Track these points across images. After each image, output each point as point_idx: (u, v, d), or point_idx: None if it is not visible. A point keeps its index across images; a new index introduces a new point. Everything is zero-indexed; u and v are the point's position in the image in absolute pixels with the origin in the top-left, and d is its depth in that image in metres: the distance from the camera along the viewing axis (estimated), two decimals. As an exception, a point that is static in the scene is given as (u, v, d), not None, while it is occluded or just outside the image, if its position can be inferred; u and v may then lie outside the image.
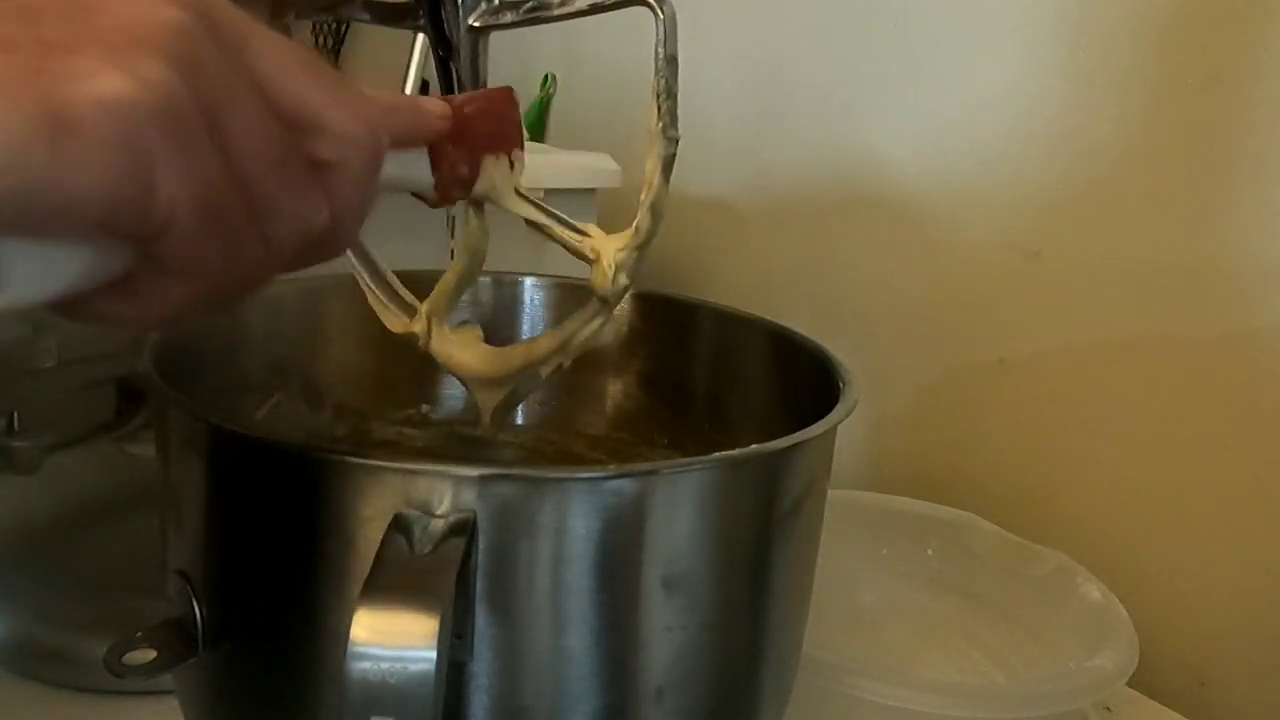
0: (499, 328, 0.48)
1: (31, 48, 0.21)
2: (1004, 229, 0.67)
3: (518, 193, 0.35)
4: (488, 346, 0.40)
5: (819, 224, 0.80)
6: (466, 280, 0.39)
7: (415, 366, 0.49)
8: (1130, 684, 0.48)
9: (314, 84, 0.25)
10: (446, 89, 0.39)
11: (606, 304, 0.37)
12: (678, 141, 0.36)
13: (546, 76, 1.13)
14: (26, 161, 0.20)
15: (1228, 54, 0.56)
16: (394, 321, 0.40)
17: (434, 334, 0.39)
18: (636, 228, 0.36)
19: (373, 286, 0.40)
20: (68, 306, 0.24)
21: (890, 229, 0.74)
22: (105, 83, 0.21)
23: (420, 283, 0.40)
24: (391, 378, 0.48)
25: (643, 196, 0.35)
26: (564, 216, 0.37)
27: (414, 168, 0.32)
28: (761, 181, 0.82)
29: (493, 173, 0.34)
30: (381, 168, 0.27)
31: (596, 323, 0.37)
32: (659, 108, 0.35)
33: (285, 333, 0.45)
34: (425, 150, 0.32)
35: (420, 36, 1.15)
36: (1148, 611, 0.54)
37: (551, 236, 0.37)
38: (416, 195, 0.33)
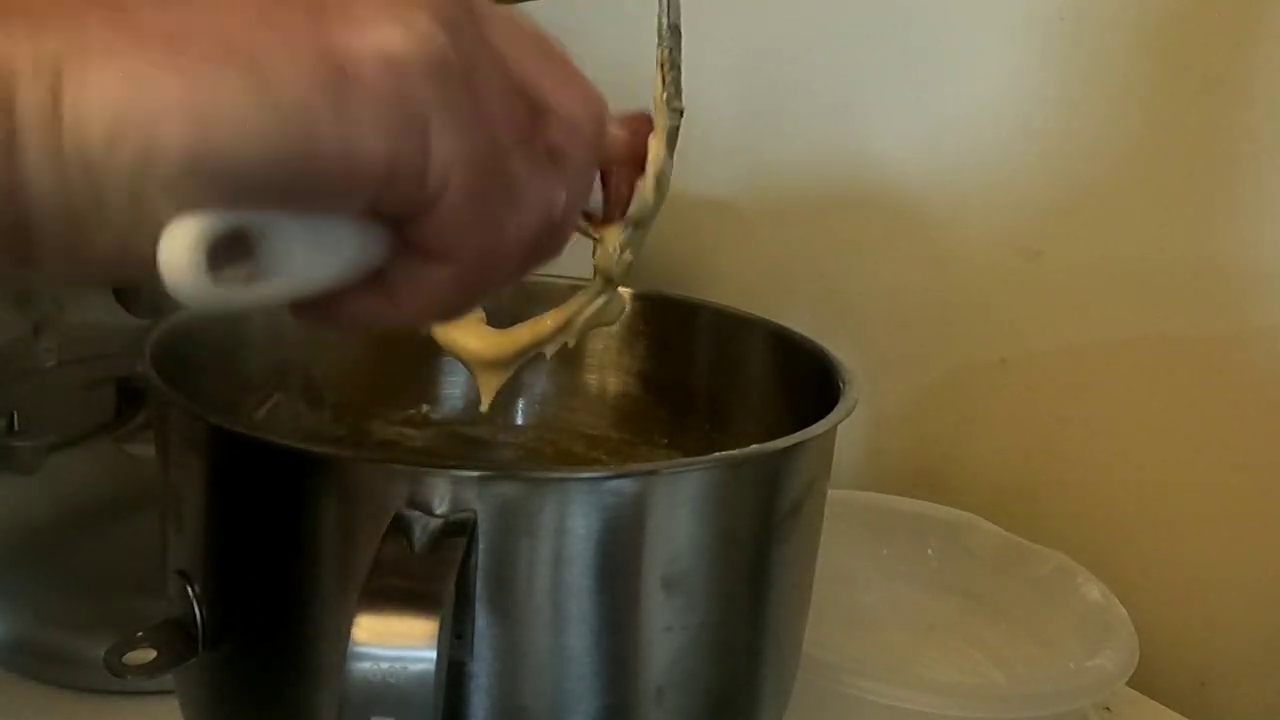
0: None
1: (309, 1, 0.20)
2: (1005, 229, 0.67)
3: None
4: (491, 329, 0.39)
5: (819, 224, 0.79)
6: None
7: (415, 366, 0.49)
8: (1130, 684, 0.48)
9: (547, 66, 0.24)
10: None
11: (611, 282, 0.37)
12: (682, 113, 0.35)
13: (546, 76, 1.13)
14: (312, 116, 0.19)
15: (1228, 55, 0.56)
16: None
17: None
18: (641, 202, 0.35)
19: None
20: (328, 308, 0.24)
21: (891, 229, 0.74)
22: (386, 33, 0.20)
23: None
24: (391, 378, 0.48)
25: (646, 170, 0.35)
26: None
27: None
28: (761, 181, 0.82)
29: (644, 194, 0.34)
30: (599, 157, 0.26)
31: (601, 300, 0.37)
32: (663, 79, 0.35)
33: (285, 333, 0.45)
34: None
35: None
36: (1148, 611, 0.54)
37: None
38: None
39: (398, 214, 0.22)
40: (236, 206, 0.20)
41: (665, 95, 0.35)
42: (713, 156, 0.90)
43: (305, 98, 0.19)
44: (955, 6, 0.69)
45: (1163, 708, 0.56)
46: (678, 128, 0.35)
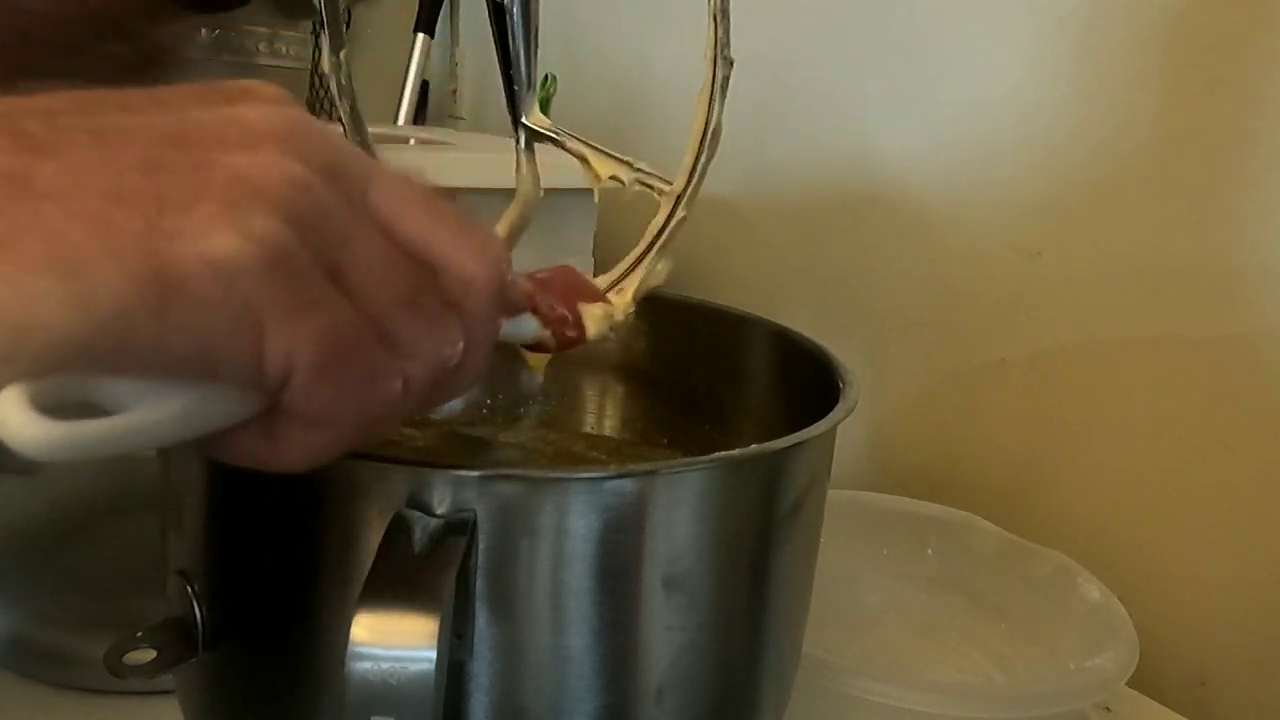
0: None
1: (148, 202, 0.21)
2: (1005, 229, 0.67)
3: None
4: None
5: (820, 224, 0.79)
6: (519, 229, 0.39)
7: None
8: (1130, 684, 0.48)
9: (436, 224, 0.25)
10: (500, 40, 0.38)
11: (664, 246, 0.37)
12: (733, 64, 0.35)
13: (546, 76, 1.13)
14: (128, 324, 0.20)
15: (1230, 56, 0.56)
16: None
17: None
18: (696, 158, 0.36)
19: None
20: (214, 446, 0.24)
21: (891, 229, 0.74)
22: (215, 241, 0.21)
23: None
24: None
25: (698, 124, 0.35)
26: (650, 171, 0.37)
27: (521, 323, 0.33)
28: (762, 181, 0.82)
29: (596, 315, 0.35)
30: (502, 305, 0.27)
31: (659, 264, 0.37)
32: (715, 29, 0.35)
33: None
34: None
35: (420, 37, 1.15)
36: (1148, 611, 0.54)
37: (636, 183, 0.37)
38: (532, 348, 0.34)
39: (255, 394, 0.23)
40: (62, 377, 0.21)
41: (718, 45, 0.35)
42: (717, 160, 0.90)
43: (122, 306, 0.20)
44: (956, 7, 0.69)
45: (1163, 708, 0.56)
46: (728, 78, 0.35)
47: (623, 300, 0.38)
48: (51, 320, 0.20)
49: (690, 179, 0.36)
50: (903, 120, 0.73)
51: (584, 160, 0.38)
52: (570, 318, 0.35)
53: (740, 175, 0.82)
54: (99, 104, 0.22)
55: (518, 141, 0.40)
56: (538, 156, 0.41)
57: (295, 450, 0.24)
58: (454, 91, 1.27)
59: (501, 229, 0.39)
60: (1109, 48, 0.61)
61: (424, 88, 1.21)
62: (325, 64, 0.39)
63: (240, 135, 0.23)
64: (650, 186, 0.37)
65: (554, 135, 0.39)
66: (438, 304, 0.25)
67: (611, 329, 0.36)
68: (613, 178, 0.37)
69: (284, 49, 1.50)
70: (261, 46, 1.31)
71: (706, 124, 0.36)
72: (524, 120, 0.39)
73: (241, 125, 0.23)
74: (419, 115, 1.19)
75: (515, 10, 0.38)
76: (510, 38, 0.38)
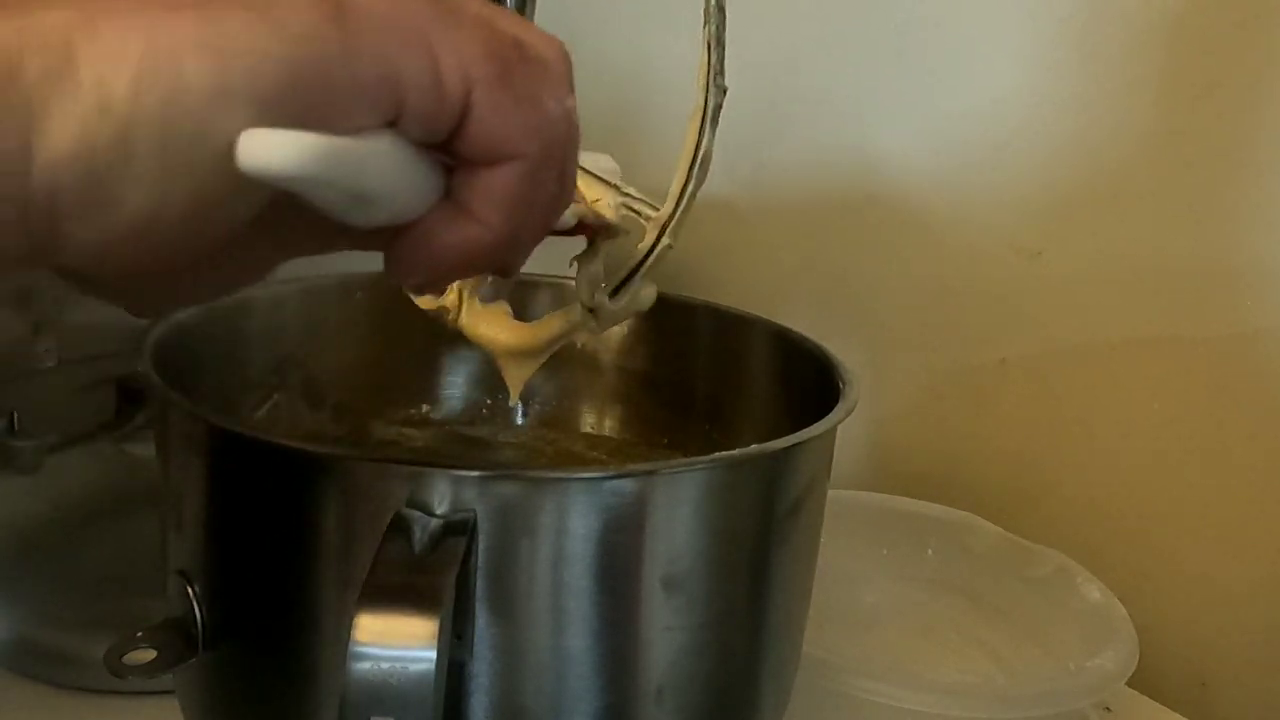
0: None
1: None
2: (1005, 229, 0.67)
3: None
4: (517, 321, 0.39)
5: (820, 224, 0.79)
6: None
7: (415, 366, 0.49)
8: (1130, 684, 0.48)
9: (509, 17, 0.25)
10: None
11: (648, 273, 0.37)
12: (725, 91, 0.35)
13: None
14: (319, 40, 0.21)
15: (1229, 57, 0.56)
16: (423, 299, 0.40)
17: (465, 309, 0.39)
18: (684, 185, 0.36)
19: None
20: (422, 245, 0.24)
21: (891, 229, 0.74)
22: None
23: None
24: (392, 378, 0.48)
25: (687, 151, 0.35)
26: (638, 196, 0.38)
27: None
28: (763, 181, 0.82)
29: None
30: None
31: (644, 290, 0.37)
32: (709, 56, 0.35)
33: (285, 333, 0.45)
34: None
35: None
36: (1148, 611, 0.54)
37: (623, 207, 0.37)
38: (572, 233, 0.34)
39: (440, 129, 0.23)
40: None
41: (711, 73, 0.35)
42: (714, 156, 0.90)
43: (311, 25, 0.21)
44: (956, 9, 0.69)
45: (1163, 708, 0.56)
46: (720, 106, 0.35)
47: (618, 305, 0.37)
48: (253, 44, 0.20)
49: (677, 207, 0.36)
50: (903, 121, 0.73)
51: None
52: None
53: (740, 175, 0.82)
54: None
55: None
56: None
57: (494, 209, 0.24)
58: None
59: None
60: (1109, 49, 0.61)
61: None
62: None
63: None
64: (636, 212, 0.37)
65: None
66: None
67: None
68: (597, 202, 0.37)
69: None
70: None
71: (696, 151, 0.35)
72: None
73: None
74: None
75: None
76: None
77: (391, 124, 0.23)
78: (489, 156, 0.24)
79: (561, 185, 0.25)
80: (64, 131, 0.19)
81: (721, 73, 0.35)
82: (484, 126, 0.23)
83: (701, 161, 0.35)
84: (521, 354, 0.39)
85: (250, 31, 0.20)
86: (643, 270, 0.36)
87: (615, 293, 0.36)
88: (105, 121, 0.19)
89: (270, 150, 0.20)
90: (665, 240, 0.36)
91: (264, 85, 0.20)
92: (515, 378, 0.39)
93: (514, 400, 0.40)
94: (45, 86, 0.19)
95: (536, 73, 0.24)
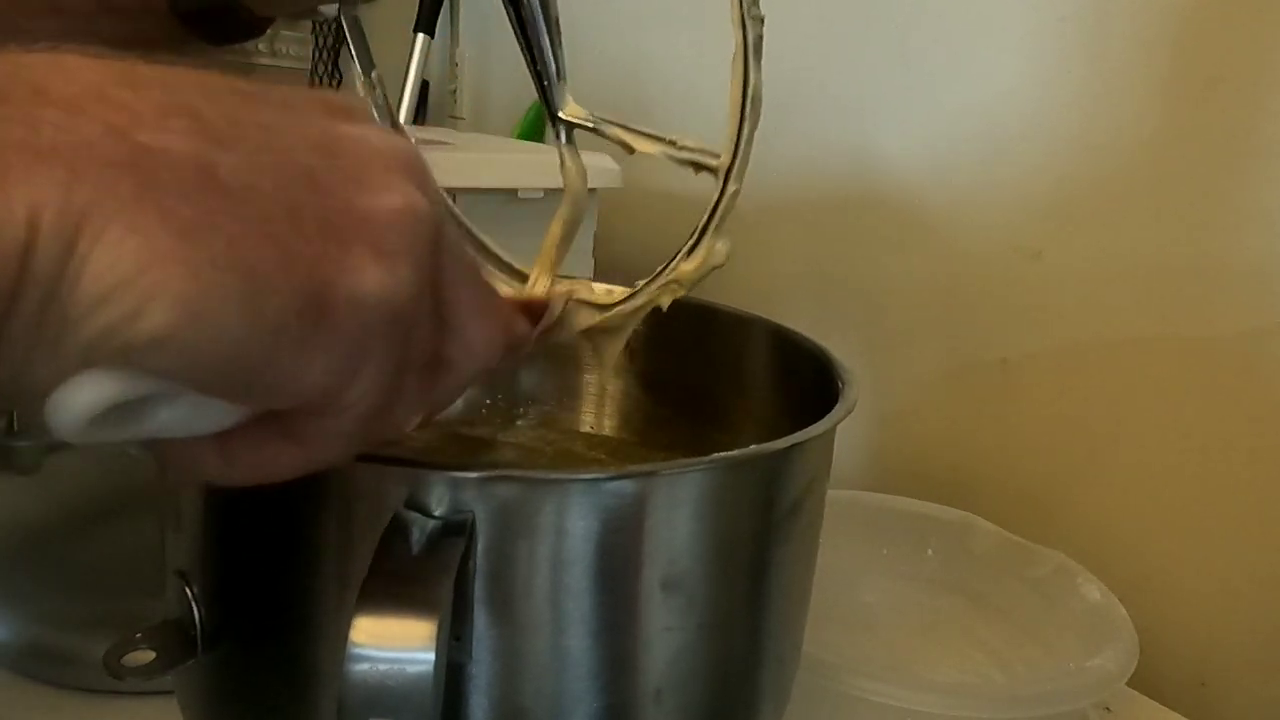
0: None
1: (315, 222, 0.21)
2: (1006, 229, 0.67)
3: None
4: (604, 289, 0.39)
5: (821, 223, 0.79)
6: (573, 226, 0.39)
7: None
8: (1130, 684, 0.48)
9: (474, 293, 0.26)
10: (522, 33, 0.38)
11: (720, 224, 0.37)
12: (763, 20, 0.34)
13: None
14: (284, 337, 0.21)
15: (1230, 55, 0.56)
16: (504, 289, 0.39)
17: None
18: (739, 128, 0.35)
19: (479, 258, 0.40)
20: (170, 454, 0.25)
21: (892, 229, 0.74)
22: (371, 280, 0.22)
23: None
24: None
25: (735, 92, 0.35)
26: (695, 147, 0.37)
27: None
28: (762, 181, 0.82)
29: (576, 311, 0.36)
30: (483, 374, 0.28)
31: (719, 244, 0.37)
32: None
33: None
34: None
35: (420, 37, 1.15)
36: (1148, 611, 0.54)
37: (682, 161, 0.37)
38: None
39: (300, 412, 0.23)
40: (162, 381, 0.21)
41: (744, 5, 0.34)
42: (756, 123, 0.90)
43: (284, 321, 0.21)
44: (957, 9, 0.69)
45: (1163, 708, 0.56)
46: (760, 36, 0.34)
47: (692, 265, 0.37)
48: (225, 318, 0.20)
49: (736, 151, 0.35)
50: (904, 121, 0.73)
51: (625, 145, 0.38)
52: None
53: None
54: (249, 95, 0.23)
55: (557, 136, 0.39)
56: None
57: (244, 468, 0.25)
58: (454, 91, 1.27)
59: (555, 228, 0.39)
60: (1109, 48, 0.61)
61: (424, 88, 1.21)
62: (360, 87, 0.39)
63: (378, 158, 0.23)
64: (697, 164, 0.37)
65: (591, 124, 0.38)
66: (435, 359, 0.26)
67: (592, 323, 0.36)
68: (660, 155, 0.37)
69: (284, 49, 1.50)
70: (261, 46, 1.31)
71: (745, 89, 0.35)
72: (560, 114, 0.39)
73: (374, 149, 0.24)
74: (419, 115, 1.19)
75: (534, 1, 0.37)
76: (531, 28, 0.37)
77: None
78: (289, 436, 0.24)
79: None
80: (26, 305, 0.19)
81: (755, 3, 0.34)
82: (324, 426, 0.24)
83: (753, 100, 0.34)
84: (613, 328, 0.39)
85: (227, 305, 0.20)
86: (714, 224, 0.36)
87: (691, 251, 0.36)
88: (53, 314, 0.19)
89: (62, 419, 0.20)
90: (731, 186, 0.35)
91: (205, 359, 0.20)
92: (610, 353, 0.39)
93: (606, 372, 0.40)
94: (43, 267, 0.19)
95: (413, 389, 0.25)
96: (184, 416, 0.23)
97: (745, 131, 0.35)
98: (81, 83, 0.20)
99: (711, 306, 0.48)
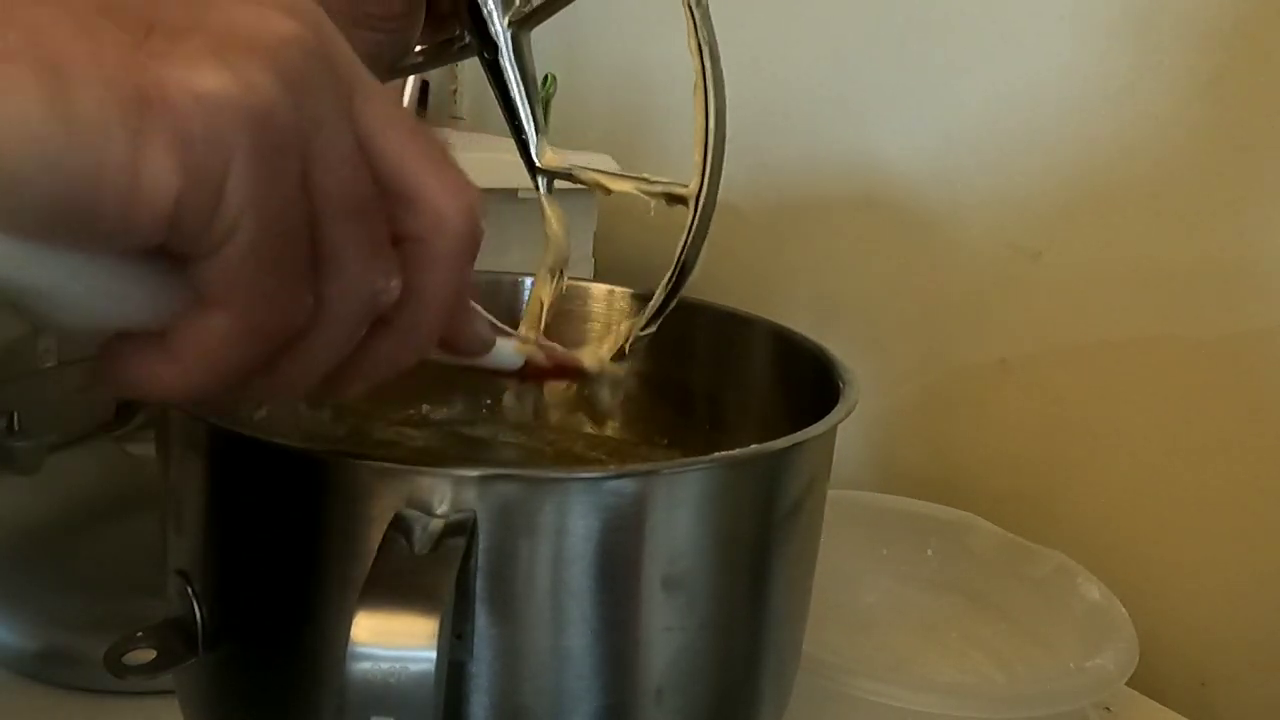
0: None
1: (137, 20, 0.19)
2: (1005, 229, 0.67)
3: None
4: (591, 346, 0.40)
5: (819, 224, 0.79)
6: (557, 275, 0.39)
7: (415, 366, 0.49)
8: (1130, 684, 0.48)
9: (420, 147, 0.23)
10: (501, 92, 0.38)
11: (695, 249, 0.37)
12: (711, 49, 0.34)
13: (546, 76, 1.13)
14: (104, 136, 0.18)
15: (1230, 55, 0.56)
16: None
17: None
18: (706, 153, 0.35)
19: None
20: (105, 367, 0.22)
21: (891, 229, 0.74)
22: (203, 74, 0.19)
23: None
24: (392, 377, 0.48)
25: (698, 121, 0.35)
26: (664, 180, 0.37)
27: (502, 347, 0.32)
28: (762, 181, 0.82)
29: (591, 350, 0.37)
30: (474, 260, 0.24)
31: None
32: (691, 17, 0.34)
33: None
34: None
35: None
36: (1148, 611, 0.54)
37: (655, 194, 0.37)
38: (516, 375, 0.34)
39: (180, 251, 0.21)
40: (8, 232, 0.19)
41: (698, 34, 0.34)
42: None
43: (100, 117, 0.18)
44: (957, 9, 0.69)
45: (1163, 708, 0.56)
46: (707, 9, 0.34)
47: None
48: (27, 121, 0.18)
49: (703, 176, 0.36)
50: (903, 121, 0.73)
51: (601, 187, 0.39)
52: (557, 350, 0.35)
53: (740, 175, 0.82)
54: None
55: (537, 187, 0.40)
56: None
57: (191, 352, 0.22)
58: (454, 91, 1.27)
59: (541, 274, 0.39)
60: (1108, 48, 0.61)
61: (424, 88, 1.21)
62: None
63: None
64: (669, 195, 0.37)
65: (567, 171, 0.39)
66: (383, 232, 0.23)
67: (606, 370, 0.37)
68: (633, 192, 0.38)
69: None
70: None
71: (707, 117, 0.35)
72: (538, 165, 0.39)
73: None
74: (419, 115, 1.19)
75: (509, 62, 0.38)
76: (509, 88, 0.38)
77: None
78: (211, 298, 0.21)
79: (302, 372, 0.23)
80: None
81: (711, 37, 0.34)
82: (220, 271, 0.21)
83: (714, 128, 0.35)
84: (610, 374, 0.40)
85: (27, 105, 0.18)
86: (688, 249, 0.36)
87: (670, 281, 0.37)
88: None
89: None
90: (701, 214, 0.36)
91: (20, 174, 0.18)
92: (610, 398, 0.40)
93: (610, 411, 0.41)
94: None
95: (353, 252, 0.22)
96: (93, 296, 0.21)
97: (710, 158, 0.35)
98: None
99: (711, 306, 0.48)
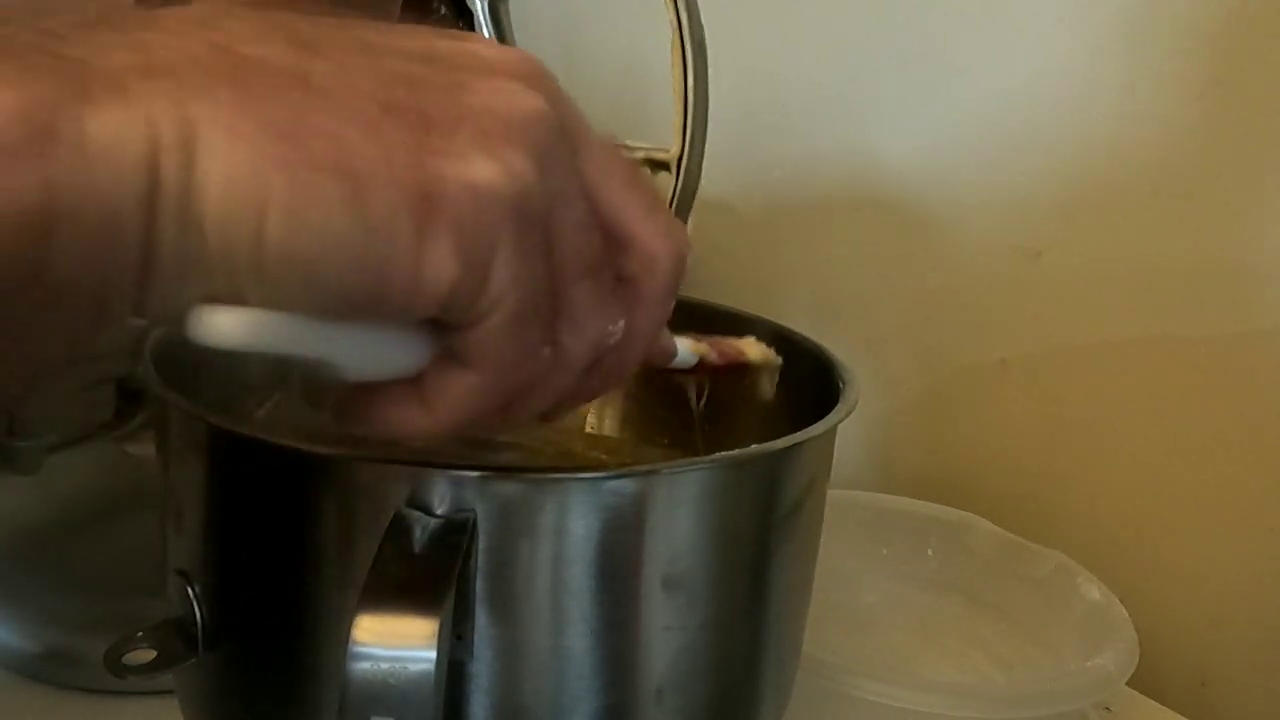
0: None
1: (415, 116, 0.21)
2: (1005, 229, 0.67)
3: None
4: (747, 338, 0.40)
5: (819, 224, 0.79)
6: None
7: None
8: (1130, 684, 0.48)
9: (634, 196, 0.25)
10: None
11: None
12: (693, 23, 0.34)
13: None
14: (394, 235, 0.20)
15: (1229, 56, 0.56)
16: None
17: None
18: (686, 113, 0.35)
19: None
20: (365, 410, 0.25)
21: (891, 229, 0.74)
22: (477, 167, 0.21)
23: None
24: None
25: (675, 83, 0.34)
26: (644, 146, 0.37)
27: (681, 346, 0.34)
28: (761, 181, 0.82)
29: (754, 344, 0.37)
30: (676, 294, 0.27)
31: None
32: None
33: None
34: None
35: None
36: (1148, 611, 0.54)
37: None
38: (691, 371, 0.35)
39: (446, 321, 0.23)
40: (301, 312, 0.21)
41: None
42: (713, 157, 0.90)
43: (392, 218, 0.20)
44: (956, 9, 0.69)
45: (1163, 708, 0.56)
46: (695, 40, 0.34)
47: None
48: (330, 222, 0.20)
49: (684, 139, 0.35)
50: (903, 120, 0.73)
51: None
52: (724, 344, 0.36)
53: (740, 175, 0.82)
54: (348, 21, 0.23)
55: None
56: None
57: (444, 404, 0.24)
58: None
59: None
60: (1108, 48, 0.61)
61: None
62: None
63: (486, 66, 0.23)
64: (651, 160, 0.37)
65: None
66: (611, 279, 0.25)
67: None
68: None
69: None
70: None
71: (686, 74, 0.34)
72: None
73: (482, 58, 0.23)
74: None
75: (486, 32, 0.37)
76: None
77: None
78: (466, 360, 0.24)
79: (536, 407, 0.26)
80: (169, 226, 0.20)
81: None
82: (483, 345, 0.23)
83: (694, 90, 0.34)
84: None
85: (331, 209, 0.20)
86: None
87: None
88: (194, 233, 0.20)
89: (219, 326, 0.21)
90: (685, 180, 0.35)
91: (321, 266, 0.20)
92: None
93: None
94: (171, 180, 0.19)
95: (588, 305, 0.25)
96: (355, 349, 0.23)
97: (691, 118, 0.34)
98: (187, 14, 0.21)
99: (712, 306, 0.47)
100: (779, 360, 0.37)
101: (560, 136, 0.23)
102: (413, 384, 0.24)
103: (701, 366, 0.35)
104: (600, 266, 0.25)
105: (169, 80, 0.19)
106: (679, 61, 0.33)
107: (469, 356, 0.23)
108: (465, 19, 0.37)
